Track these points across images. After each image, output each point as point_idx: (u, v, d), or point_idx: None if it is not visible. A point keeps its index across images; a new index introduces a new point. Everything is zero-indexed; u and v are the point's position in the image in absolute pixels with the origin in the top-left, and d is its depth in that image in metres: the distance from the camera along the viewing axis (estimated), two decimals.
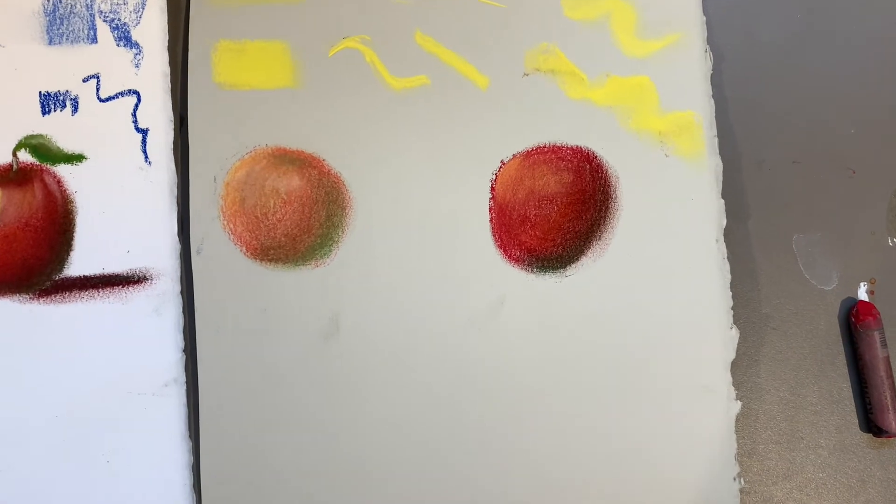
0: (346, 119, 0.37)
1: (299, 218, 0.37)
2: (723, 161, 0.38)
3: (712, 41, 0.39)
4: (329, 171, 0.37)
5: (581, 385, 0.36)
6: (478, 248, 0.37)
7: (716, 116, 0.38)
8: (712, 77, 0.39)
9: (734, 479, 0.36)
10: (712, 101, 0.38)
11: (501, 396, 0.36)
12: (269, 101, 0.37)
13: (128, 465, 0.36)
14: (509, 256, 0.37)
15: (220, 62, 0.37)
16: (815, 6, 0.42)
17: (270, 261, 0.36)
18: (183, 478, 0.36)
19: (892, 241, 0.40)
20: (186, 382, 0.36)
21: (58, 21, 0.38)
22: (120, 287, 0.37)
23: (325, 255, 0.37)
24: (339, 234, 0.37)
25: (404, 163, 0.37)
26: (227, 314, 0.36)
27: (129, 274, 0.37)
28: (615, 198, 0.37)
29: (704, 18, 0.39)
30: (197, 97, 0.37)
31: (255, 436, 0.36)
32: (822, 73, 0.41)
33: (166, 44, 0.38)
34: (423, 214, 0.37)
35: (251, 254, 0.36)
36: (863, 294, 0.39)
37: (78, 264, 0.37)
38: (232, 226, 0.37)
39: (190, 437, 0.36)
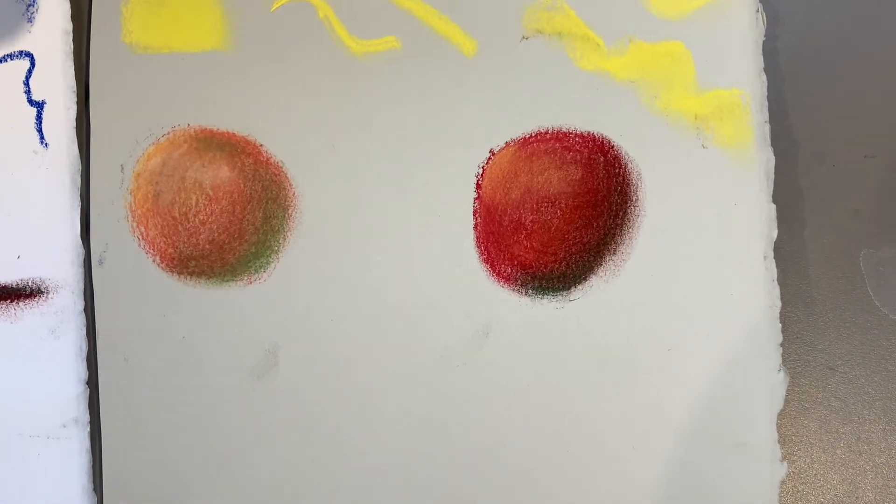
0: (292, 92, 0.30)
1: (229, 220, 0.30)
2: (776, 155, 0.31)
3: (767, 0, 0.32)
4: (268, 159, 0.30)
5: (586, 439, 0.30)
6: (458, 263, 0.30)
7: (768, 97, 0.31)
8: (765, 46, 0.31)
9: None
10: (764, 76, 0.31)
11: (484, 454, 0.29)
12: (192, 67, 0.30)
13: None
14: (498, 274, 0.30)
15: (131, 17, 0.30)
16: None
17: (191, 274, 0.30)
18: None
19: None
20: (91, 423, 0.30)
21: None
22: (7, 301, 0.31)
23: (260, 268, 0.30)
24: (280, 241, 0.30)
25: (365, 151, 0.30)
26: (137, 341, 0.30)
27: (20, 285, 0.31)
28: (636, 200, 0.30)
29: None
30: (101, 62, 0.30)
31: (171, 490, 0.29)
32: None
33: None
34: (388, 218, 0.30)
35: (167, 265, 0.30)
36: None
37: None
38: (143, 229, 0.30)
39: (95, 490, 0.30)
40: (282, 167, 0.30)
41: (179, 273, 0.30)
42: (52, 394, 0.31)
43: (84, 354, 0.30)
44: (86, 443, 0.30)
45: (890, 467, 0.32)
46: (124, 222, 0.30)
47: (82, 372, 0.30)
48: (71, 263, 0.31)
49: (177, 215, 0.30)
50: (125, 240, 0.30)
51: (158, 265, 0.30)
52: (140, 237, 0.30)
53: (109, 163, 0.30)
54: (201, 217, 0.30)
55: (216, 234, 0.30)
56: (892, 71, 0.34)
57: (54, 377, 0.31)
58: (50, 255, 0.31)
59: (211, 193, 0.30)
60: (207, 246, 0.30)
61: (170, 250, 0.30)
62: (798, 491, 0.31)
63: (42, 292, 0.31)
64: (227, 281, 0.30)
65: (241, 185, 0.30)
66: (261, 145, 0.30)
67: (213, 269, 0.30)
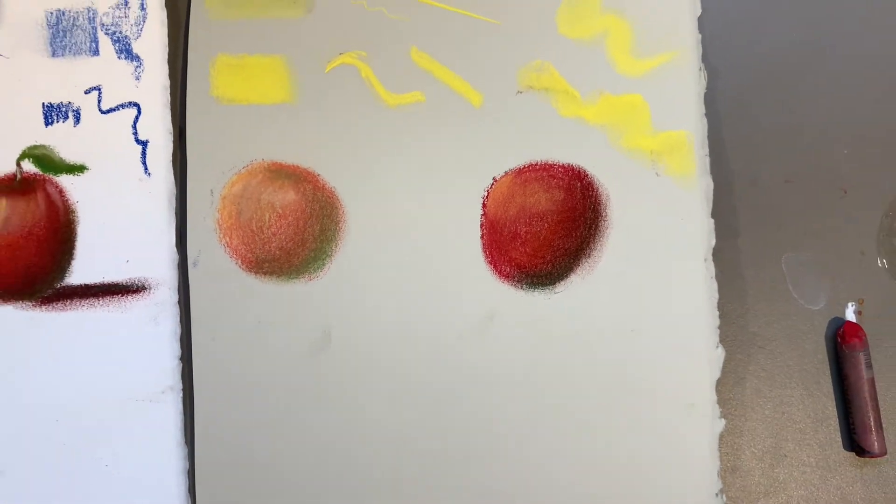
0: (342, 134, 0.38)
1: (294, 232, 0.38)
2: (715, 180, 0.38)
3: (707, 59, 0.40)
4: (324, 185, 0.38)
5: (568, 401, 0.37)
6: (469, 264, 0.38)
7: (709, 135, 0.39)
8: (706, 95, 0.39)
9: (716, 495, 0.37)
10: (705, 119, 0.39)
11: (489, 411, 0.37)
12: (266, 115, 0.38)
13: (125, 469, 0.37)
14: (499, 273, 0.38)
15: (218, 76, 0.38)
16: (812, 26, 0.42)
17: (265, 274, 0.37)
18: (178, 482, 0.37)
19: (882, 263, 0.40)
20: (183, 389, 0.38)
21: (61, 33, 0.39)
22: (119, 296, 0.38)
23: (318, 268, 0.38)
24: (333, 248, 0.38)
25: (398, 178, 0.38)
26: (222, 325, 0.37)
27: (129, 283, 0.38)
28: (605, 216, 0.38)
29: (700, 36, 0.39)
30: (195, 110, 0.38)
31: (248, 443, 0.37)
32: (817, 93, 0.41)
33: (166, 57, 0.39)
34: (416, 230, 0.38)
35: (246, 267, 0.38)
36: (850, 315, 0.40)
37: (79, 273, 0.38)
38: (228, 239, 0.38)
39: (185, 442, 0.37)
40: (334, 191, 0.38)
41: (255, 273, 0.37)
42: (153, 367, 0.38)
43: (178, 336, 0.38)
44: (179, 405, 0.37)
45: (806, 424, 0.39)
46: (213, 234, 0.37)
47: (177, 350, 0.38)
48: (168, 266, 0.38)
49: (254, 228, 0.38)
50: (214, 247, 0.37)
51: (240, 267, 0.37)
52: (226, 245, 0.38)
53: (202, 188, 0.38)
54: (273, 230, 0.38)
55: (284, 243, 0.38)
56: (807, 115, 0.41)
57: (155, 354, 0.38)
58: (152, 260, 0.38)
59: (280, 212, 0.38)
60: (277, 252, 0.38)
61: (248, 255, 0.38)
62: (734, 444, 0.39)
63: (146, 288, 0.38)
64: (292, 279, 0.37)
65: (303, 205, 0.38)
66: (318, 175, 0.38)
67: (281, 270, 0.38)
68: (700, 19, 0.39)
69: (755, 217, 0.40)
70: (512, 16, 0.39)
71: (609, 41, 0.38)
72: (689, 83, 0.39)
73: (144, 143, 0.39)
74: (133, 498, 0.37)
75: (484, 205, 0.38)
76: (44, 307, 0.38)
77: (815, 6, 0.42)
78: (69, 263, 0.38)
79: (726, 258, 0.40)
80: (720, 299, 0.38)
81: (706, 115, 0.39)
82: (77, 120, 0.39)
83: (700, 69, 0.39)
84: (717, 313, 0.38)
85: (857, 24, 0.42)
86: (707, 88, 0.39)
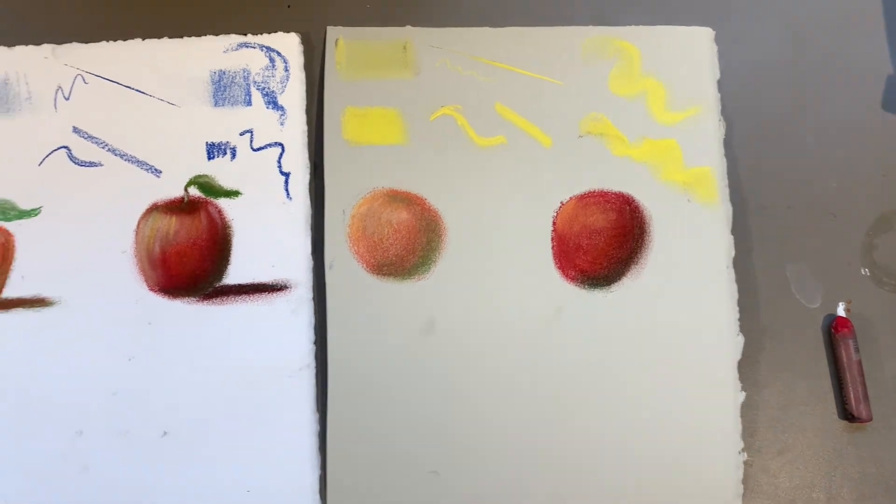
0: (443, 168, 0.46)
1: (406, 243, 0.45)
2: (732, 206, 0.46)
3: (725, 112, 0.48)
4: (429, 207, 0.46)
5: (620, 377, 0.45)
6: (542, 269, 0.45)
7: (727, 171, 0.46)
8: (724, 140, 0.47)
9: (739, 453, 0.44)
10: (724, 158, 0.46)
11: (561, 385, 0.45)
12: (384, 154, 0.46)
13: (269, 429, 0.44)
14: (566, 276, 0.46)
15: (347, 123, 0.47)
16: (806, 90, 0.49)
17: (384, 275, 0.45)
18: (311, 443, 0.44)
19: (864, 271, 0.48)
20: (315, 367, 0.44)
21: (222, 88, 0.48)
22: (266, 293, 0.45)
23: (425, 271, 0.45)
24: (436, 255, 0.45)
25: (486, 201, 0.46)
26: (351, 314, 0.45)
27: (273, 283, 0.45)
28: (648, 233, 0.46)
29: (719, 95, 0.48)
30: (331, 150, 0.46)
31: (371, 409, 0.44)
32: (809, 138, 0.49)
33: (304, 108, 0.48)
34: (501, 241, 0.46)
35: (370, 269, 0.45)
36: (841, 311, 0.46)
37: (234, 275, 0.45)
38: (356, 248, 0.46)
39: (317, 410, 0.44)
40: (438, 212, 0.46)
41: (377, 274, 0.45)
42: (292, 349, 0.44)
43: (312, 325, 0.44)
44: (313, 380, 0.44)
45: (807, 397, 0.46)
46: (345, 244, 0.45)
47: (311, 336, 0.44)
48: (304, 270, 0.45)
49: (376, 240, 0.46)
50: (345, 254, 0.45)
51: (365, 269, 0.45)
52: (354, 253, 0.45)
53: (336, 209, 0.46)
54: (390, 241, 0.46)
55: (399, 251, 0.46)
56: (804, 155, 0.49)
57: (294, 339, 0.44)
58: (291, 265, 0.45)
59: (396, 227, 0.46)
60: (393, 258, 0.45)
61: (371, 261, 0.45)
62: (751, 412, 0.45)
63: (287, 287, 0.45)
64: (405, 279, 0.45)
65: (414, 223, 0.46)
66: (425, 199, 0.46)
67: (397, 272, 0.45)
68: (719, 82, 0.48)
69: (764, 234, 0.47)
70: (573, 78, 0.48)
71: (649, 98, 0.48)
72: (711, 130, 0.47)
73: (287, 175, 0.47)
74: (274, 452, 0.43)
75: (554, 223, 0.46)
76: (205, 302, 0.45)
77: (804, 78, 0.50)
78: (226, 268, 0.45)
79: (743, 267, 0.46)
80: (739, 298, 0.45)
81: (725, 155, 0.47)
82: (233, 156, 0.47)
83: (719, 120, 0.48)
84: (737, 309, 0.45)
85: (844, 90, 0.50)
86: (725, 135, 0.47)
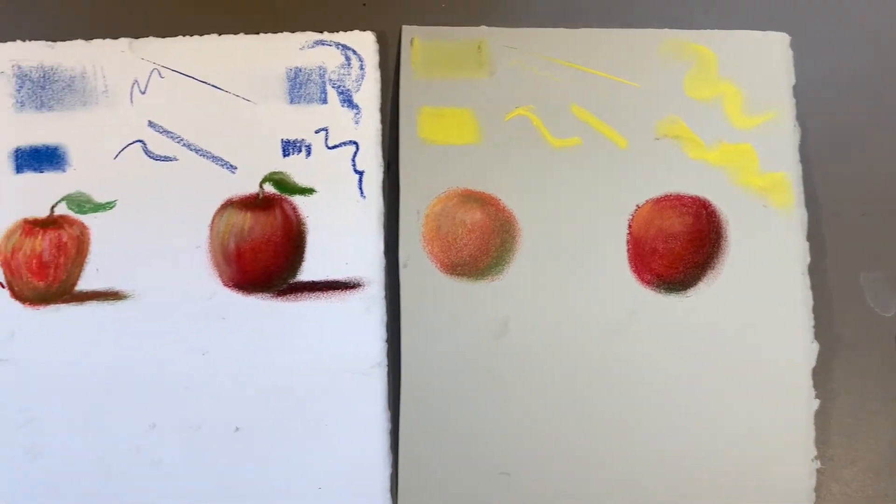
0: (518, 169, 0.46)
1: (480, 243, 0.45)
2: (808, 212, 0.46)
3: (800, 118, 0.47)
4: (504, 207, 0.46)
5: (697, 383, 0.45)
6: (617, 272, 0.45)
7: (802, 177, 0.46)
8: (800, 146, 0.46)
9: (812, 460, 0.44)
10: (800, 164, 0.46)
11: (634, 389, 0.45)
12: (459, 153, 0.46)
13: (341, 427, 0.44)
14: (642, 279, 0.46)
15: (423, 123, 0.47)
16: (883, 97, 0.50)
17: (458, 275, 0.46)
18: (383, 440, 0.44)
19: None
20: (388, 365, 0.44)
21: (298, 86, 0.48)
22: (339, 291, 0.45)
23: (498, 272, 0.45)
24: (510, 256, 0.45)
25: (562, 203, 0.46)
26: (425, 314, 0.45)
27: (347, 281, 0.45)
28: (725, 238, 0.46)
29: (794, 101, 0.48)
30: (406, 149, 0.47)
31: (442, 408, 0.44)
32: (886, 145, 0.49)
33: (379, 106, 0.48)
34: (576, 244, 0.45)
35: (444, 269, 0.46)
36: None
37: (308, 272, 0.45)
38: (430, 247, 0.46)
39: (389, 407, 0.44)
40: (512, 212, 0.46)
41: (451, 274, 0.45)
42: (365, 347, 0.44)
43: (385, 323, 0.44)
44: (385, 378, 0.44)
45: (879, 406, 0.46)
46: (419, 243, 0.45)
47: (383, 334, 0.44)
48: (377, 268, 0.45)
49: (450, 240, 0.45)
50: (419, 253, 0.45)
51: (439, 269, 0.45)
52: (428, 252, 0.45)
53: (411, 208, 0.45)
54: (464, 241, 0.45)
55: (473, 251, 0.45)
56: (879, 161, 0.49)
57: (367, 337, 0.44)
58: (365, 263, 0.45)
59: (470, 227, 0.45)
60: (468, 258, 0.45)
61: (446, 260, 0.45)
62: (824, 421, 0.45)
63: (360, 285, 0.45)
64: (479, 279, 0.45)
65: (488, 223, 0.46)
66: (499, 199, 0.46)
67: (471, 272, 0.45)
68: (794, 87, 0.48)
69: (839, 241, 0.47)
70: (649, 81, 0.48)
71: (725, 102, 0.48)
72: (787, 136, 0.47)
73: (361, 173, 0.47)
74: (346, 448, 0.44)
75: (629, 226, 0.46)
76: (279, 298, 0.45)
77: (880, 84, 0.50)
78: (300, 264, 0.45)
79: (818, 273, 0.46)
80: (814, 305, 0.45)
81: (800, 160, 0.47)
82: (308, 153, 0.47)
83: (795, 125, 0.47)
84: (812, 316, 0.45)
85: None
86: (801, 140, 0.47)
